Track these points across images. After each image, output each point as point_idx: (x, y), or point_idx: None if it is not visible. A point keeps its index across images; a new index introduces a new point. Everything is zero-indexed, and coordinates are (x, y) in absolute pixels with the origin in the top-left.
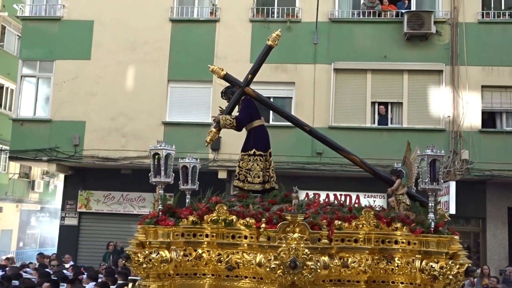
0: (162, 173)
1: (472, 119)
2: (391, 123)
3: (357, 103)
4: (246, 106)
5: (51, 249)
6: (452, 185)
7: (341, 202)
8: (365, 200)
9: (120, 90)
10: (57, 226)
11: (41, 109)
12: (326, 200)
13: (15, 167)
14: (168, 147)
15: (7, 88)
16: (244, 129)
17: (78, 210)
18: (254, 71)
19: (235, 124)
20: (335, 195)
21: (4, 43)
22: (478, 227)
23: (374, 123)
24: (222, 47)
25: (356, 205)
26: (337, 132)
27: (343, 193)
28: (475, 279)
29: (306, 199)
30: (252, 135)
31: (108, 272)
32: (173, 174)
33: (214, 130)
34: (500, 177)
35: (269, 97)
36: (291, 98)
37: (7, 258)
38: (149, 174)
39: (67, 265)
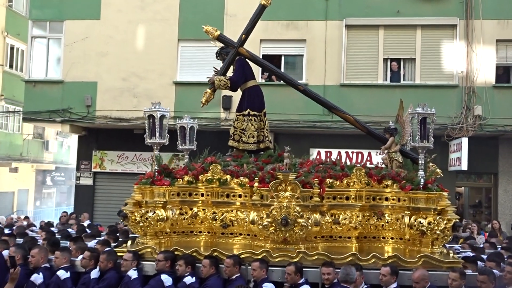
0: (157, 134)
1: (486, 74)
2: (404, 80)
3: (369, 60)
4: (240, 67)
5: (67, 208)
6: (465, 141)
7: (334, 160)
8: (377, 157)
9: (131, 50)
10: (72, 186)
11: (52, 70)
12: (321, 158)
13: (28, 128)
14: (163, 109)
15: (17, 49)
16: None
17: (92, 170)
18: (247, 31)
19: (229, 85)
20: (346, 152)
21: (13, 3)
22: (490, 182)
23: (386, 80)
24: (232, 5)
25: (348, 163)
26: (349, 90)
27: (355, 150)
28: (487, 234)
29: (317, 156)
30: (247, 96)
31: (111, 230)
32: (168, 136)
33: (209, 91)
34: None
35: (280, 55)
36: (302, 55)
37: (24, 217)
38: (145, 136)
39: (84, 224)
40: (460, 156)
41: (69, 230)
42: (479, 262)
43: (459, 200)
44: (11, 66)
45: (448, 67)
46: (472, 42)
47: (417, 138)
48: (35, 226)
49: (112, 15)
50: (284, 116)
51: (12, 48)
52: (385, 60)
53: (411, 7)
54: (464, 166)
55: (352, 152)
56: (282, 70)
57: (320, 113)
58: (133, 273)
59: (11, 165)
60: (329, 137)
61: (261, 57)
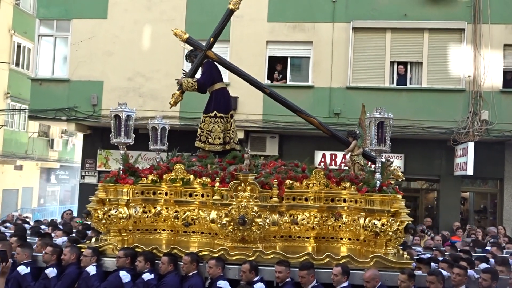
0: (123, 134)
1: (493, 79)
2: (410, 83)
3: (376, 63)
4: (208, 69)
5: (71, 206)
6: (471, 146)
7: (297, 162)
8: (382, 159)
9: (137, 50)
10: (76, 184)
11: (59, 68)
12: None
13: (34, 126)
14: (128, 109)
15: (24, 47)
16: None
17: (97, 169)
18: (215, 35)
19: (196, 87)
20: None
21: (20, 1)
22: (495, 187)
23: (393, 83)
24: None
25: (310, 166)
26: (355, 92)
27: None
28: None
29: (322, 159)
30: (214, 97)
31: (84, 228)
32: (134, 135)
33: (177, 92)
34: None
35: (286, 57)
36: (308, 57)
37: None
38: (110, 135)
39: (89, 222)
40: (466, 161)
41: (42, 226)
42: (433, 264)
43: (464, 205)
44: (17, 64)
45: (455, 71)
46: (479, 46)
47: (373, 142)
48: (9, 222)
49: (119, 15)
50: (289, 118)
51: (19, 47)
52: (392, 63)
53: (418, 10)
54: (470, 171)
55: None
56: (288, 72)
57: (326, 115)
58: (91, 269)
59: (16, 163)
60: (334, 139)
61: (267, 58)
